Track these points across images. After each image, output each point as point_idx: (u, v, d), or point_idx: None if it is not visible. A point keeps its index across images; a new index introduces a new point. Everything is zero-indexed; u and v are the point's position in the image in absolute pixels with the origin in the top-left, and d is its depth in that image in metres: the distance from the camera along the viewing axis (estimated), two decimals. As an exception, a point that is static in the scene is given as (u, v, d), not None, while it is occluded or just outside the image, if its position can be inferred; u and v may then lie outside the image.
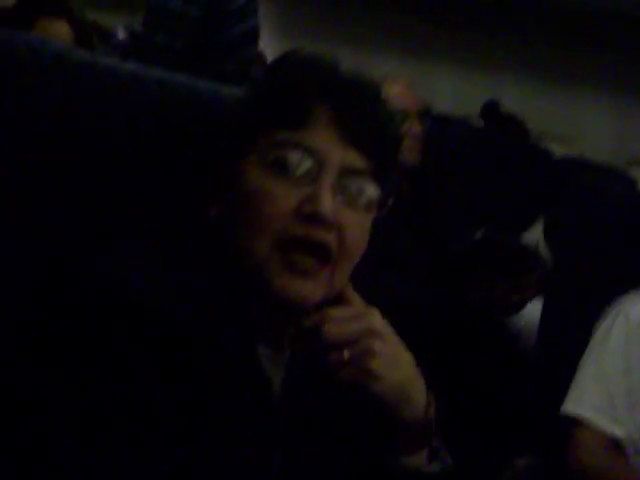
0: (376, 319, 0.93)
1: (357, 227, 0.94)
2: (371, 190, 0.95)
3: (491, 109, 4.65)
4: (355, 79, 0.97)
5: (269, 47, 8.32)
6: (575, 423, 1.70)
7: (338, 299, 0.95)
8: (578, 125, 4.67)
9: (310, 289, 0.92)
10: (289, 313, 0.96)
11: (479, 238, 2.55)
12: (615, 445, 1.67)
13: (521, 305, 2.56)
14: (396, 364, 0.92)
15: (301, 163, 0.91)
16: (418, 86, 5.70)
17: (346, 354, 0.89)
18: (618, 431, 1.67)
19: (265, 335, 0.96)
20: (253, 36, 2.60)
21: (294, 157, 0.91)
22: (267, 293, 0.92)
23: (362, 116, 0.94)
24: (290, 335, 0.97)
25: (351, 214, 0.93)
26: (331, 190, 0.91)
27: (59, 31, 2.07)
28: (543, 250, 2.70)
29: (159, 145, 1.07)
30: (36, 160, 1.00)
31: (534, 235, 2.89)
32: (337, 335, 0.91)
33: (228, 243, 0.94)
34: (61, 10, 2.09)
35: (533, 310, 2.42)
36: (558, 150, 4.33)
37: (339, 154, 0.92)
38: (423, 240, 2.43)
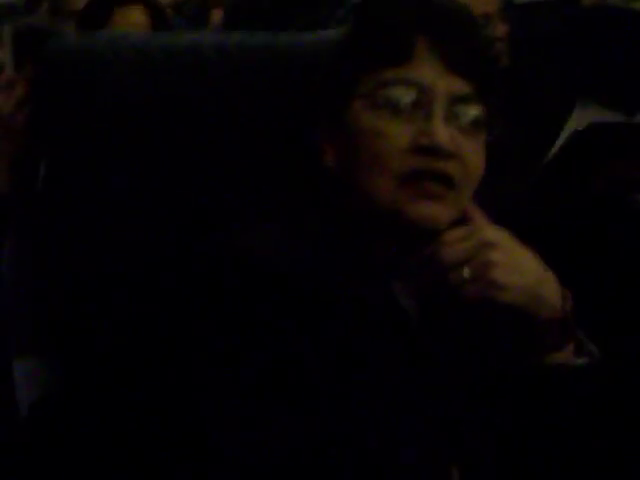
0: (490, 231, 0.94)
1: (473, 151, 0.95)
2: (477, 113, 0.96)
3: None
4: (448, 6, 0.98)
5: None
6: None
7: (463, 219, 0.96)
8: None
9: (442, 211, 0.94)
10: (421, 240, 0.97)
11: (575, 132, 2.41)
12: None
13: None
14: (519, 270, 0.93)
15: (410, 98, 0.93)
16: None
17: (466, 271, 0.91)
18: None
19: (396, 269, 0.98)
20: None
21: (402, 94, 0.93)
22: (401, 223, 0.94)
23: (461, 43, 0.95)
24: (414, 266, 0.98)
25: (465, 140, 0.94)
26: (444, 120, 0.92)
27: (136, 18, 2.10)
28: None
29: (255, 109, 1.09)
30: (137, 148, 1.05)
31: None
32: (452, 256, 0.92)
33: (349, 187, 0.96)
34: None
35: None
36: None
37: (445, 83, 0.93)
38: (531, 140, 2.37)
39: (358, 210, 0.96)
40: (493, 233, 0.94)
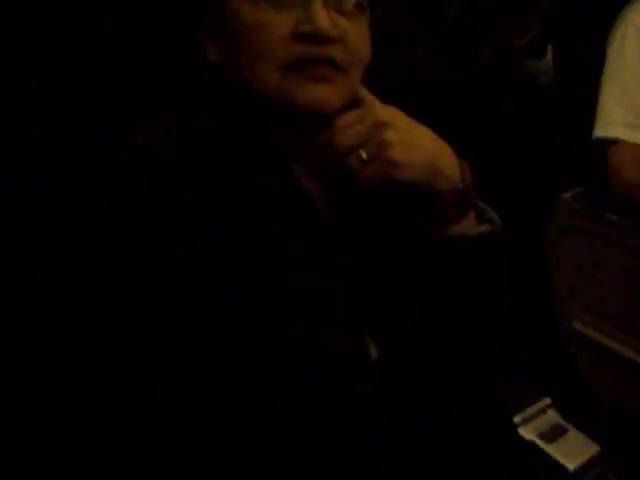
0: (383, 111, 0.95)
1: (356, 34, 0.94)
2: None
3: None
4: None
5: None
6: (610, 145, 1.71)
7: (355, 102, 0.96)
8: None
9: (331, 93, 0.93)
10: (315, 124, 0.97)
11: None
12: None
13: (536, 46, 2.50)
14: (415, 146, 0.94)
15: None
16: None
17: (363, 154, 0.92)
18: None
19: (294, 155, 0.98)
20: None
21: None
22: (291, 109, 0.93)
23: None
24: (312, 151, 0.98)
25: (347, 23, 0.93)
26: (324, 5, 0.91)
27: None
28: None
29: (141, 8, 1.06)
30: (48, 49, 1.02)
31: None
32: (348, 140, 0.93)
33: (236, 81, 0.94)
34: None
35: (548, 50, 2.39)
36: None
37: None
38: (424, 15, 2.36)
39: (248, 102, 0.94)
40: (386, 113, 0.95)
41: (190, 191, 0.85)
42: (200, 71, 0.98)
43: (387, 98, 0.98)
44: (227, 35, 0.93)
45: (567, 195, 1.89)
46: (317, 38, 0.90)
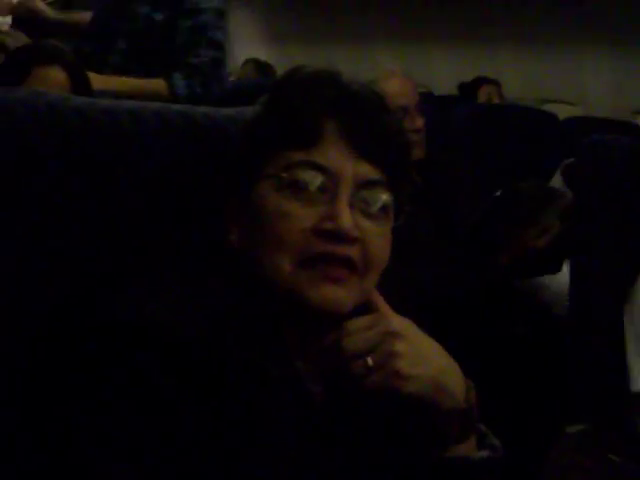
0: (394, 321, 0.94)
1: (378, 237, 0.96)
2: (386, 199, 0.97)
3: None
4: (359, 92, 0.98)
5: (265, 51, 8.37)
6: None
7: (367, 306, 0.96)
8: (580, 85, 4.64)
9: (343, 295, 0.93)
10: (324, 323, 0.96)
11: (494, 198, 2.49)
12: None
13: (553, 257, 2.52)
14: (423, 360, 0.93)
15: (316, 182, 0.93)
16: (416, 69, 5.72)
17: (369, 361, 0.91)
18: None
19: (301, 351, 0.97)
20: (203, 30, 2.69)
21: (309, 177, 0.93)
22: (302, 306, 0.93)
23: (370, 128, 0.95)
24: (318, 351, 0.97)
25: (370, 225, 0.95)
26: (348, 205, 0.92)
27: (55, 78, 2.08)
28: (562, 187, 2.65)
29: (167, 178, 1.08)
30: (43, 207, 1.02)
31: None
32: (356, 345, 0.92)
33: (252, 266, 0.95)
34: (55, 57, 2.10)
35: (564, 275, 2.41)
36: (563, 112, 4.31)
37: (352, 168, 0.94)
38: (442, 226, 2.42)
39: (262, 289, 0.94)
40: (397, 323, 0.94)
41: (187, 369, 0.84)
42: (219, 251, 0.99)
43: (401, 306, 0.98)
44: (250, 220, 0.95)
45: (571, 430, 1.85)
46: (338, 236, 0.91)
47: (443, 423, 0.96)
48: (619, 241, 1.84)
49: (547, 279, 2.77)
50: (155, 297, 0.91)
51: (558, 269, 2.71)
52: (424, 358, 0.93)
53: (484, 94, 4.69)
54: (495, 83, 4.77)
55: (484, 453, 0.99)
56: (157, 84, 2.60)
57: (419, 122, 2.43)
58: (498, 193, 2.40)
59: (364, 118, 0.96)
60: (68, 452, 0.84)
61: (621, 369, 1.73)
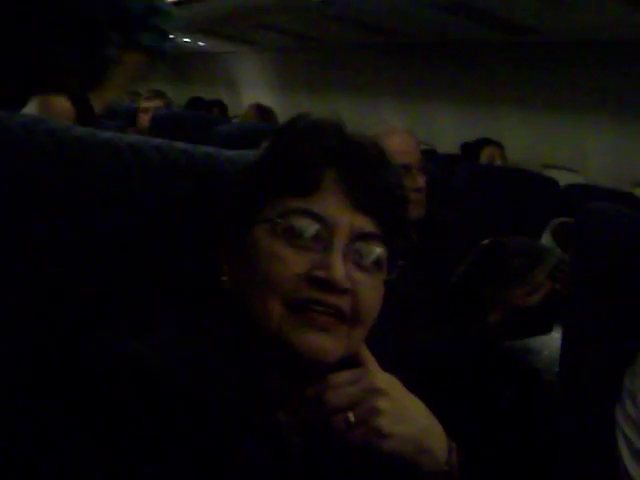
0: (379, 377, 0.94)
1: (369, 289, 0.95)
2: (380, 252, 0.97)
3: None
4: (360, 144, 0.99)
5: (269, 97, 8.47)
6: None
7: (354, 360, 0.95)
8: (581, 153, 4.68)
9: (330, 344, 0.92)
10: (309, 372, 0.96)
11: (479, 247, 2.45)
12: None
13: (547, 313, 2.49)
14: (405, 418, 0.92)
15: (311, 230, 0.93)
16: (420, 126, 5.77)
17: (351, 416, 0.90)
18: None
19: (283, 401, 0.96)
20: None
21: (304, 224, 0.93)
22: (288, 351, 0.92)
23: (370, 181, 0.96)
24: (299, 403, 0.96)
25: (363, 277, 0.95)
26: (342, 255, 0.92)
27: (61, 107, 2.08)
28: (551, 244, 2.62)
29: (164, 214, 1.08)
30: (40, 236, 1.01)
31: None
32: (338, 399, 0.91)
33: (242, 308, 0.94)
34: (61, 87, 2.11)
35: (556, 341, 2.39)
36: (563, 178, 4.34)
37: (348, 219, 0.94)
38: (440, 286, 2.40)
39: (251, 333, 0.94)
40: (382, 380, 0.94)
41: (169, 409, 0.83)
42: (211, 292, 0.98)
43: (392, 365, 0.97)
44: (243, 262, 0.95)
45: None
46: (329, 286, 0.90)
47: None
48: (615, 312, 1.83)
49: (538, 344, 2.75)
50: (144, 335, 0.90)
51: (549, 329, 2.69)
52: (407, 417, 0.92)
53: (486, 155, 4.72)
54: (498, 145, 4.80)
55: None
56: None
57: (421, 181, 2.41)
58: (485, 242, 2.38)
59: (364, 170, 0.96)
60: None
61: (608, 442, 1.71)
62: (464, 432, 1.04)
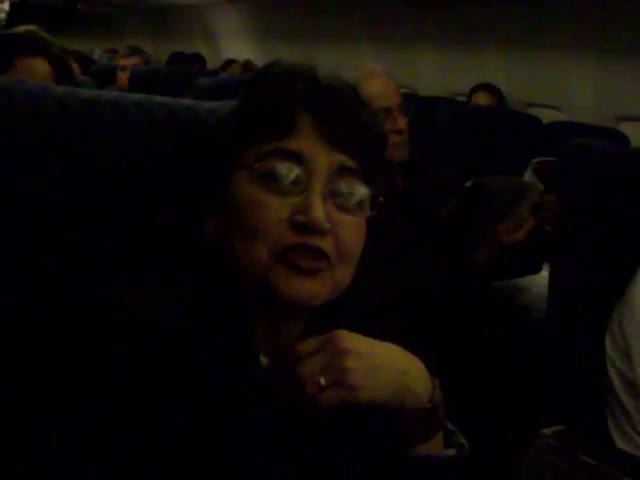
0: (342, 338, 0.93)
1: (351, 229, 0.96)
2: (361, 190, 0.97)
3: None
4: (333, 86, 0.99)
5: (250, 49, 8.39)
6: None
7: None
8: (565, 90, 4.67)
9: (316, 287, 0.94)
10: (296, 315, 0.98)
11: (463, 188, 2.44)
12: None
13: (535, 252, 2.50)
14: (377, 368, 0.93)
15: (289, 172, 0.93)
16: (401, 70, 5.73)
17: (322, 381, 0.91)
18: None
19: (267, 346, 0.97)
20: None
21: (282, 167, 0.93)
22: (274, 297, 0.93)
23: (344, 120, 0.96)
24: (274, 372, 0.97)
25: (344, 217, 0.95)
26: (322, 197, 0.93)
27: (38, 69, 2.06)
28: (532, 180, 2.62)
29: (147, 169, 1.08)
30: (25, 196, 1.01)
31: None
32: (309, 369, 0.91)
33: (227, 257, 0.95)
34: (39, 48, 2.09)
35: (544, 277, 2.41)
36: (546, 116, 4.33)
37: (326, 158, 0.94)
38: (425, 228, 2.41)
39: (237, 281, 0.95)
40: (348, 340, 0.93)
41: (157, 355, 0.85)
42: (194, 244, 0.99)
43: (382, 306, 0.98)
44: (225, 212, 0.95)
45: (546, 431, 1.85)
46: (309, 228, 0.91)
47: (407, 423, 0.96)
48: (601, 247, 1.85)
49: (527, 282, 2.78)
50: (132, 289, 0.91)
51: (538, 269, 2.71)
52: (379, 367, 0.93)
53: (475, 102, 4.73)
54: (491, 89, 4.76)
55: (450, 451, 0.99)
56: None
57: (402, 123, 2.41)
58: (468, 184, 2.38)
59: (338, 110, 0.96)
60: (36, 446, 0.84)
61: (597, 374, 1.74)
62: (454, 369, 1.05)
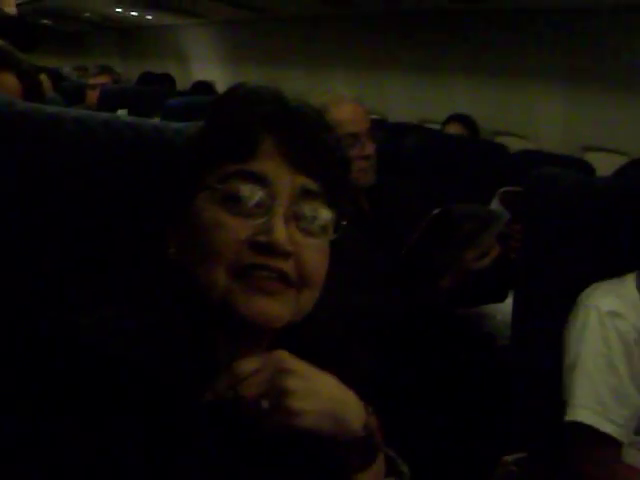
0: (283, 359, 0.93)
1: (314, 252, 0.96)
2: (325, 213, 0.97)
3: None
4: (297, 108, 0.99)
5: (221, 71, 8.39)
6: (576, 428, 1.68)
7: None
8: (531, 119, 4.71)
9: (277, 308, 0.93)
10: (257, 338, 0.97)
11: (431, 216, 2.46)
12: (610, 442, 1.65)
13: (501, 281, 2.51)
14: (315, 394, 0.92)
15: (252, 194, 0.93)
16: (371, 96, 5.76)
17: (264, 404, 0.90)
18: (609, 428, 1.65)
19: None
20: None
21: (245, 188, 0.93)
22: (234, 317, 0.92)
23: (307, 143, 0.96)
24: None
25: (307, 240, 0.95)
26: (284, 219, 0.93)
27: (6, 84, 2.05)
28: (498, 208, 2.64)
29: (111, 187, 1.07)
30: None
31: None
32: (250, 389, 0.90)
33: (188, 278, 0.95)
34: (8, 63, 2.08)
35: (508, 305, 2.42)
36: (514, 145, 4.37)
37: (289, 181, 0.94)
38: (391, 253, 2.41)
39: (197, 302, 0.94)
40: (287, 360, 0.93)
41: (115, 383, 0.84)
42: (157, 264, 0.98)
43: (346, 331, 0.97)
44: (188, 232, 0.95)
45: (508, 458, 1.86)
46: (271, 250, 0.91)
47: (342, 453, 0.95)
48: (564, 274, 1.86)
49: (492, 309, 2.79)
50: (92, 309, 0.90)
51: (503, 298, 2.72)
52: (316, 392, 0.92)
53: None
54: (464, 120, 4.79)
55: None
56: None
57: (369, 149, 2.42)
58: (436, 211, 2.39)
59: (302, 133, 0.96)
60: None
61: (561, 400, 1.75)
62: (418, 394, 1.05)
